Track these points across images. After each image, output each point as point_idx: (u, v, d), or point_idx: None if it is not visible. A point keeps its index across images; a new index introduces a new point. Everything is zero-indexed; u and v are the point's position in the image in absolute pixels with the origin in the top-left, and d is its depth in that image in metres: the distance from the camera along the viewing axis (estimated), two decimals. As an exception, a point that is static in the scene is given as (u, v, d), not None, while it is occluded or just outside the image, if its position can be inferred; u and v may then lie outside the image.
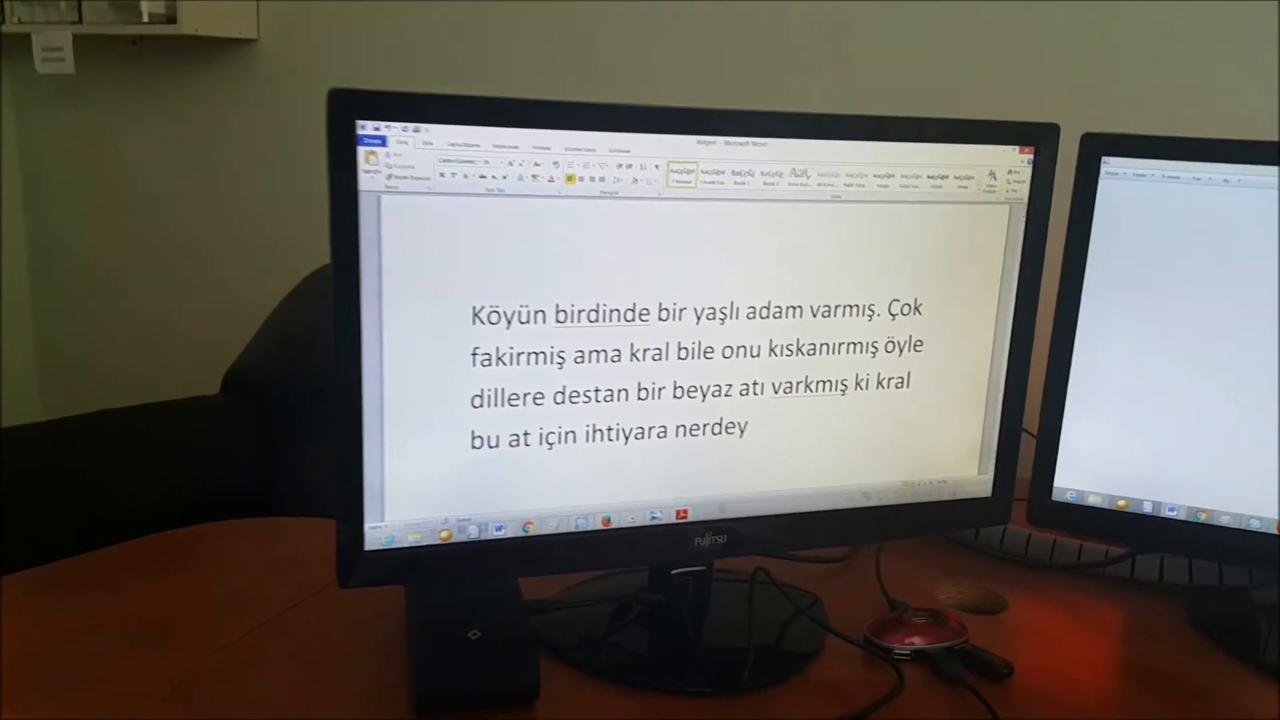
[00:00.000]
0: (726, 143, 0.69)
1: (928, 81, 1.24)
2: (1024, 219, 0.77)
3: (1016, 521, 0.87)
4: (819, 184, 0.71)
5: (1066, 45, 1.16)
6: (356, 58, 1.60)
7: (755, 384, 0.74)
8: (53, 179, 1.94)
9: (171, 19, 1.58)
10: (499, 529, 0.70)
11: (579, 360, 0.69)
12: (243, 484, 1.26)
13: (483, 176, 0.64)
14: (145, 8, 1.59)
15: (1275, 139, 0.77)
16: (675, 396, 0.72)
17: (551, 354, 0.68)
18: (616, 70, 1.42)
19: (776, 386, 0.74)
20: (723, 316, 0.72)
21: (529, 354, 0.68)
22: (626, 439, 0.72)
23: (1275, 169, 0.76)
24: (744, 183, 0.70)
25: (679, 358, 0.71)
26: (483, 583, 0.76)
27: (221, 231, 1.81)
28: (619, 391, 0.71)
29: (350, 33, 1.59)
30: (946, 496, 0.81)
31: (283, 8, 1.65)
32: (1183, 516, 0.82)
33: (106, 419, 1.26)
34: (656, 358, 0.71)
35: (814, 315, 0.74)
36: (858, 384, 0.76)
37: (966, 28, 1.21)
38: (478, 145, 0.64)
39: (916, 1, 1.22)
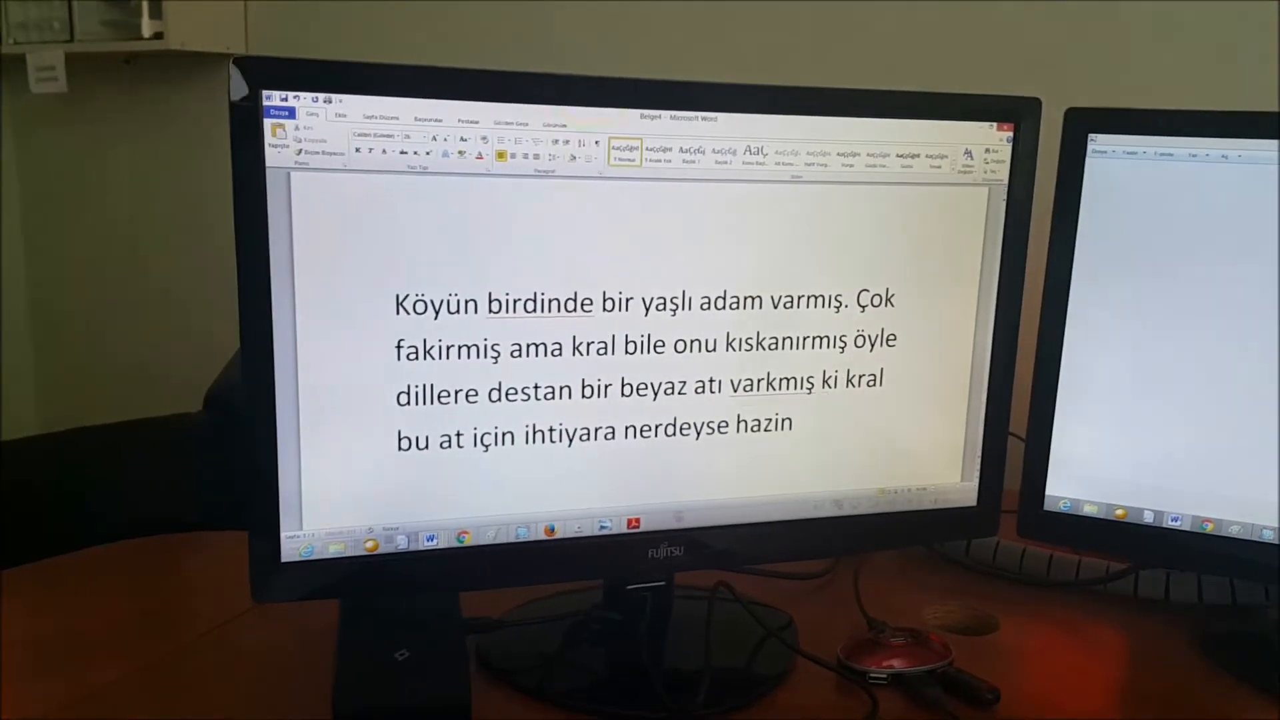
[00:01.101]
0: (673, 117, 0.63)
1: (898, 53, 1.17)
2: (1004, 202, 0.71)
3: (1009, 535, 0.81)
4: (777, 163, 0.66)
5: (1048, 13, 1.09)
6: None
7: (712, 381, 0.68)
8: (50, 195, 1.97)
9: (160, 35, 1.58)
10: (430, 539, 0.65)
11: (515, 354, 0.64)
12: (223, 502, 1.22)
13: (403, 152, 0.59)
14: (146, 26, 1.58)
15: (1277, 110, 0.71)
16: (624, 394, 0.66)
17: (485, 347, 0.63)
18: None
19: (735, 384, 0.69)
20: (674, 307, 0.66)
21: (460, 347, 0.63)
22: (570, 441, 0.66)
23: (1278, 142, 0.69)
24: (693, 161, 0.64)
25: (627, 352, 0.66)
26: (418, 598, 0.70)
27: (212, 242, 1.79)
28: (561, 389, 0.65)
29: (338, 46, 1.57)
30: (927, 505, 0.75)
31: (270, 22, 1.65)
32: (1187, 527, 0.75)
33: (86, 436, 1.23)
34: (602, 352, 0.65)
35: (775, 306, 0.68)
36: (825, 381, 0.70)
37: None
38: (396, 118, 0.59)
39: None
